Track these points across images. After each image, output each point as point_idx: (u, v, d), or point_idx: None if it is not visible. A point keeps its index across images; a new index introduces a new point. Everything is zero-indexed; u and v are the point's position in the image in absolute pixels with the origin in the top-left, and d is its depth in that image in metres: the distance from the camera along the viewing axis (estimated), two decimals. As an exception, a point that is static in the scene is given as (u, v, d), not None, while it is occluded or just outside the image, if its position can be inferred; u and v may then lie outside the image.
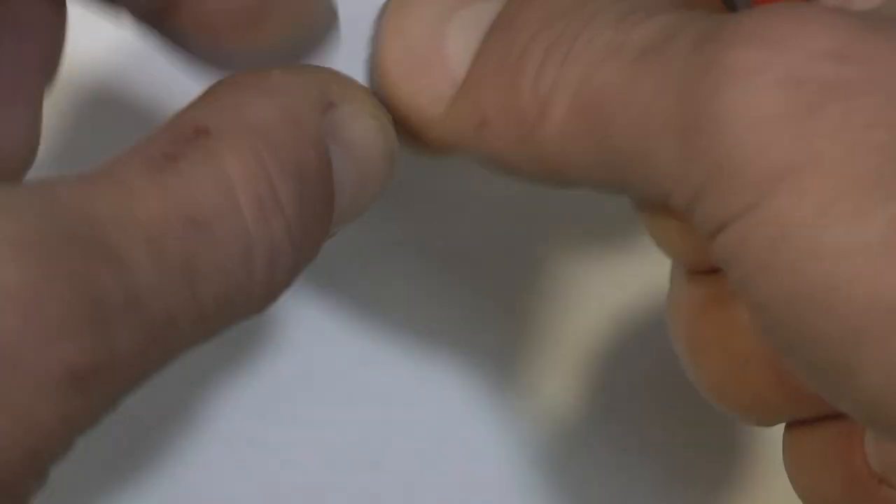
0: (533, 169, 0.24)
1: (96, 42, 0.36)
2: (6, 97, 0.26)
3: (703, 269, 0.27)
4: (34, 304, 0.21)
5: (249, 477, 0.35)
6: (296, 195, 0.25)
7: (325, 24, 0.27)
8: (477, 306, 0.37)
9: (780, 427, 0.27)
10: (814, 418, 0.27)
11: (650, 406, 0.37)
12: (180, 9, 0.26)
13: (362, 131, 0.26)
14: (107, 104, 0.37)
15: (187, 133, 0.24)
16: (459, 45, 0.24)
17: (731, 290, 0.22)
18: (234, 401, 0.36)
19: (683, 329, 0.28)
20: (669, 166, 0.22)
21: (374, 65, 0.25)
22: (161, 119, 0.24)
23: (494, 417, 0.36)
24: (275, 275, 0.25)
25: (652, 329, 0.36)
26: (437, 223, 0.36)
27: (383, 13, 0.25)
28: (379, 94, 0.25)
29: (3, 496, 0.21)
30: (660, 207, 0.25)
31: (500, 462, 0.36)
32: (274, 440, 0.36)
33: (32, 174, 0.27)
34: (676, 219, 0.26)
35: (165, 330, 0.23)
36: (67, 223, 0.22)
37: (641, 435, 0.36)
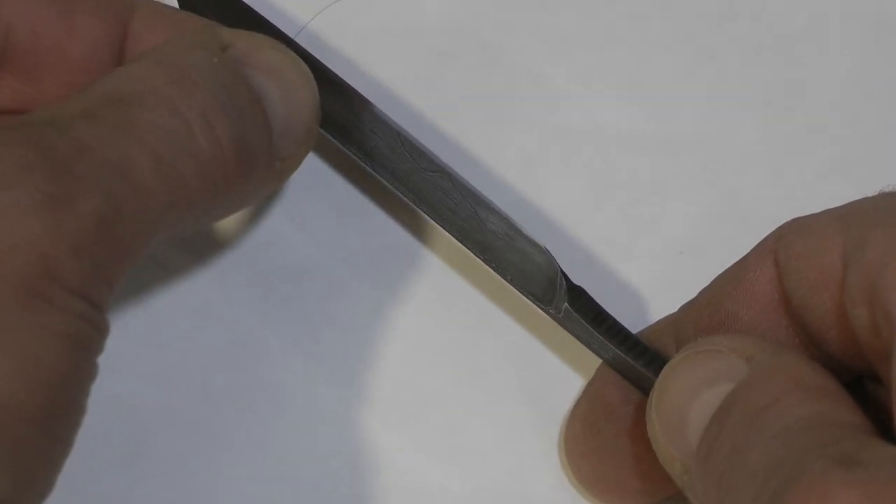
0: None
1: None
2: None
3: None
4: None
5: (250, 480, 0.36)
6: (209, 77, 0.30)
7: None
8: (476, 310, 0.37)
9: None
10: None
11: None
12: None
13: (269, 58, 0.32)
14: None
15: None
16: (697, 421, 0.30)
17: None
18: (234, 404, 0.36)
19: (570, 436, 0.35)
20: None
21: (650, 417, 0.31)
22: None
23: (495, 422, 0.37)
24: (215, 131, 0.30)
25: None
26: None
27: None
28: (650, 434, 0.31)
29: (31, 299, 0.26)
30: None
31: (500, 466, 0.36)
32: (274, 444, 0.36)
33: None
34: None
35: (125, 168, 0.28)
36: (13, 122, 0.28)
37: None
